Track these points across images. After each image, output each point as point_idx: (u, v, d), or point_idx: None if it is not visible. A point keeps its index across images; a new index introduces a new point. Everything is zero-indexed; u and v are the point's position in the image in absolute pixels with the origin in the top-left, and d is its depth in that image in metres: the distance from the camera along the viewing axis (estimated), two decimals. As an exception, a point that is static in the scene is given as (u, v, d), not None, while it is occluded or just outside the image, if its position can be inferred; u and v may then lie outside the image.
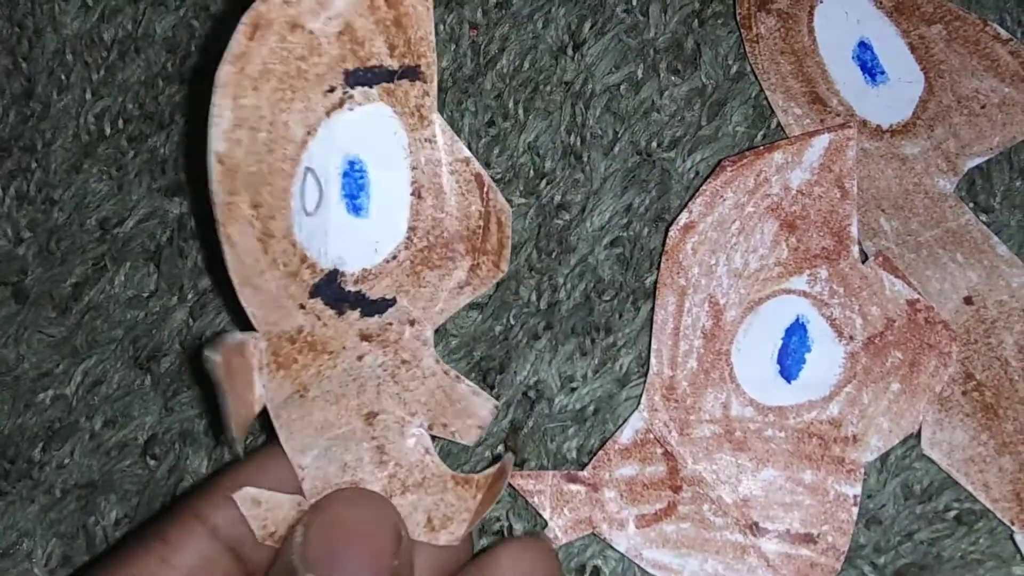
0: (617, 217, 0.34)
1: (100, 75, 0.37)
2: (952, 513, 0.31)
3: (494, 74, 0.36)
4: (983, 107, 0.35)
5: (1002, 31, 0.36)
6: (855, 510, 0.28)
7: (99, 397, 0.34)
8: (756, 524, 0.28)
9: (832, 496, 0.28)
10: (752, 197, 0.29)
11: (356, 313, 0.28)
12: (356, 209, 0.27)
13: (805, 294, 0.30)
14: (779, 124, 0.35)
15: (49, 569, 0.32)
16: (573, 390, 0.32)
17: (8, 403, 0.34)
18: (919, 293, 0.30)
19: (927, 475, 0.31)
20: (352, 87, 0.26)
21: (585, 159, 0.35)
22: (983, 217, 0.34)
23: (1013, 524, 0.30)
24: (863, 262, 0.31)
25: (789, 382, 0.30)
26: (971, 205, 0.34)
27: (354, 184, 0.27)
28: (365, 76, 0.26)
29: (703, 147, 0.35)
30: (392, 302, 0.28)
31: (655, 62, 0.36)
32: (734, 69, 0.36)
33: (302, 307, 0.27)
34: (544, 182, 0.35)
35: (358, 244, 0.27)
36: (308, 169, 0.26)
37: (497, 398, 0.32)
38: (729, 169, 0.29)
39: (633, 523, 0.29)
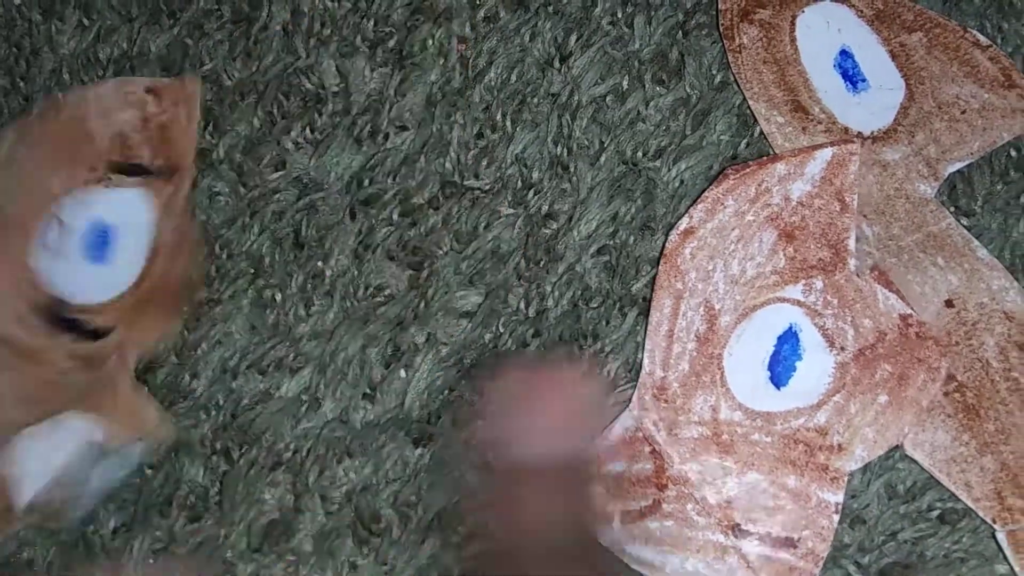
0: (604, 226, 0.35)
1: (96, 93, 0.38)
2: (935, 512, 0.31)
3: (482, 87, 0.37)
4: (963, 112, 0.35)
5: (981, 37, 0.36)
6: (836, 517, 0.28)
7: (97, 409, 0.35)
8: (738, 526, 0.29)
9: (814, 502, 0.28)
10: (753, 206, 0.30)
11: (69, 337, 0.34)
12: (95, 258, 0.35)
13: (799, 303, 0.31)
14: (762, 133, 0.35)
15: None
16: (561, 396, 0.33)
17: (8, 416, 0.35)
18: (912, 309, 0.30)
19: (910, 475, 0.31)
20: (113, 172, 0.35)
21: (572, 169, 0.36)
22: (964, 221, 0.34)
23: (995, 523, 0.30)
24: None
25: (778, 388, 0.30)
26: (952, 209, 0.34)
27: (98, 239, 0.35)
28: (126, 167, 0.35)
29: (688, 156, 0.35)
30: (109, 331, 0.34)
31: (640, 73, 0.37)
32: (718, 79, 0.36)
33: (20, 319, 0.33)
34: (532, 192, 0.35)
35: (89, 284, 0.34)
36: (57, 217, 0.34)
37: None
38: (732, 178, 0.30)
39: (618, 518, 0.29)
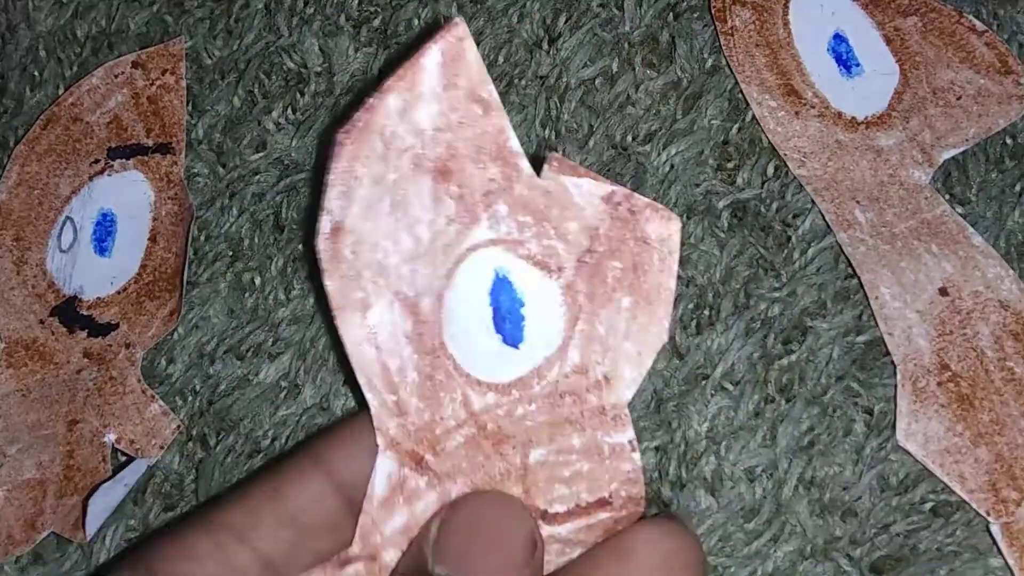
0: (592, 210, 0.34)
1: (73, 71, 0.37)
2: (928, 505, 0.31)
3: (469, 68, 0.36)
4: (959, 98, 0.35)
5: (977, 23, 0.35)
6: (636, 455, 0.25)
7: (71, 394, 0.34)
8: (544, 512, 0.26)
9: (607, 451, 0.25)
10: (388, 162, 0.23)
11: (84, 333, 0.34)
12: (102, 250, 0.35)
13: (493, 242, 0.25)
14: (754, 117, 0.35)
15: (20, 567, 0.31)
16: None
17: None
18: (615, 185, 0.24)
19: (903, 467, 0.31)
20: (113, 159, 0.36)
21: (560, 153, 0.35)
22: (959, 209, 0.33)
23: (989, 515, 0.30)
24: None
25: (517, 347, 0.26)
26: (947, 197, 0.34)
27: (104, 231, 0.35)
28: (124, 151, 0.36)
29: (678, 140, 0.35)
30: (116, 327, 0.34)
31: (630, 56, 0.36)
32: (709, 62, 0.36)
33: (42, 322, 0.34)
34: (519, 176, 0.35)
35: (98, 278, 0.35)
36: (68, 218, 0.35)
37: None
38: (348, 143, 0.23)
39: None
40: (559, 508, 0.25)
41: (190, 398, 0.33)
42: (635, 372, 0.24)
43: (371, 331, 0.24)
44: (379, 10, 0.37)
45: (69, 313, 0.34)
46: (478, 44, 0.36)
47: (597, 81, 0.36)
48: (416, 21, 0.37)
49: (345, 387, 0.33)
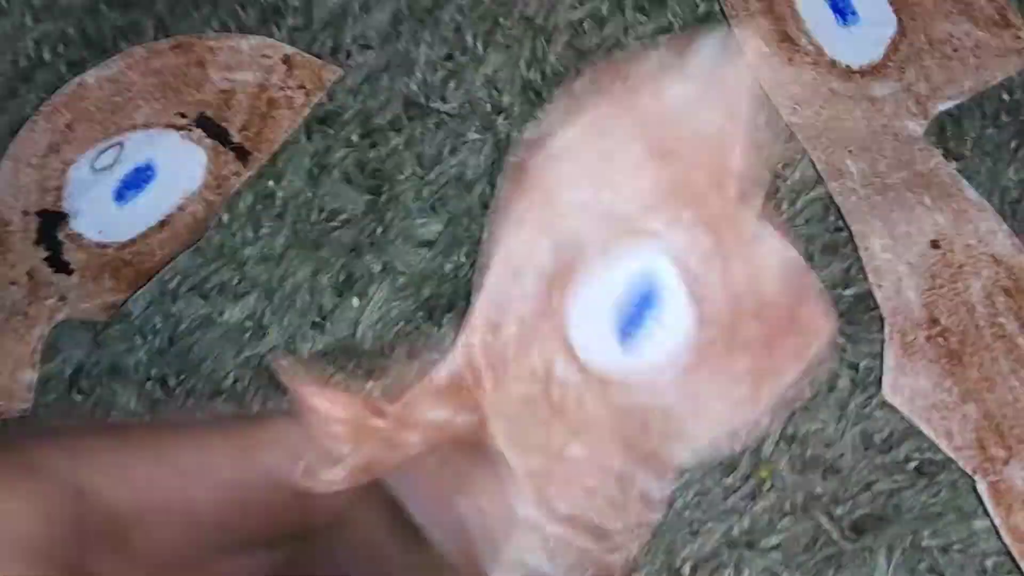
0: (575, 155, 0.33)
1: (66, 68, 0.36)
2: (912, 464, 0.30)
3: (452, 7, 0.35)
4: (955, 50, 0.34)
5: (978, -26, 0.34)
6: (656, 516, 0.23)
7: (30, 332, 0.33)
8: (549, 500, 0.24)
9: (636, 493, 0.23)
10: (615, 111, 0.21)
11: (44, 254, 0.33)
12: (120, 196, 0.33)
13: (660, 239, 0.24)
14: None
15: None
16: (524, 331, 0.31)
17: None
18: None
19: (887, 424, 0.30)
20: (196, 126, 0.34)
21: (545, 95, 0.34)
22: (953, 164, 0.33)
23: (975, 473, 0.29)
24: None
25: (623, 345, 0.24)
26: (941, 152, 0.33)
27: (137, 180, 0.33)
28: (209, 127, 0.34)
29: (666, 86, 0.33)
30: (70, 273, 0.33)
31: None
32: (702, 8, 0.35)
33: (25, 213, 0.33)
34: (501, 117, 0.34)
35: (96, 217, 0.33)
36: (120, 143, 0.34)
37: (445, 337, 0.31)
38: (593, 73, 0.22)
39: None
40: (560, 506, 0.24)
41: (150, 337, 0.32)
42: (704, 433, 0.23)
43: (517, 249, 0.23)
44: (361, -56, 0.36)
45: (50, 226, 0.33)
46: (463, -18, 0.35)
47: (585, 24, 0.35)
48: (398, -43, 0.35)
49: (313, 329, 0.31)
